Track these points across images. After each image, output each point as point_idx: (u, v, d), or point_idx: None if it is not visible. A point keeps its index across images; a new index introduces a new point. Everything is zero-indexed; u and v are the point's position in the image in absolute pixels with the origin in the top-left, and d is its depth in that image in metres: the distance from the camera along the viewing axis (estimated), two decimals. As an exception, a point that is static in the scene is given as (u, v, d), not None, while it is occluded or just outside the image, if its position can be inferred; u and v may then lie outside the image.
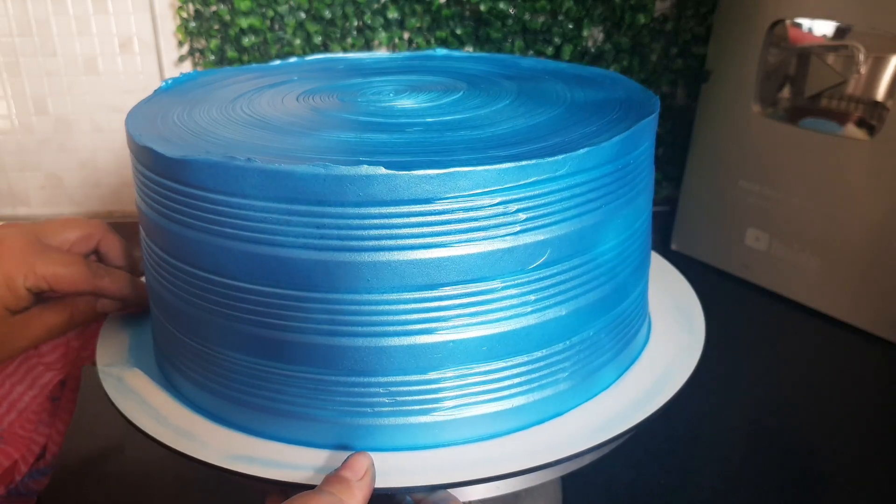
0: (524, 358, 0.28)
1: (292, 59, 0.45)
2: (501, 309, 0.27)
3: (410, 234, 0.26)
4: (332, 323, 0.27)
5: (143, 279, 0.36)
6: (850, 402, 0.51)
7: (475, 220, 0.26)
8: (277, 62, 0.45)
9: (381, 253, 0.26)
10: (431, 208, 0.25)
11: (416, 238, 0.26)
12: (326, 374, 0.28)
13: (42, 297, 0.34)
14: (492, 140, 0.28)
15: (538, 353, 0.29)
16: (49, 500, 0.41)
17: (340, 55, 0.47)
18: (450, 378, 0.28)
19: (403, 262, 0.26)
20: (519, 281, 0.27)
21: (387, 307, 0.26)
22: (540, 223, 0.27)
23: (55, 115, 0.70)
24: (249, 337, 0.28)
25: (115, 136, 0.71)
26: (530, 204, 0.26)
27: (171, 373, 0.33)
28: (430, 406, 0.28)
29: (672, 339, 0.36)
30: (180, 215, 0.28)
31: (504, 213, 0.26)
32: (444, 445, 0.28)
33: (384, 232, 0.25)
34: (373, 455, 0.27)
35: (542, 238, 0.27)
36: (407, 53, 0.48)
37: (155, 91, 0.38)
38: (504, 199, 0.26)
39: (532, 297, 0.28)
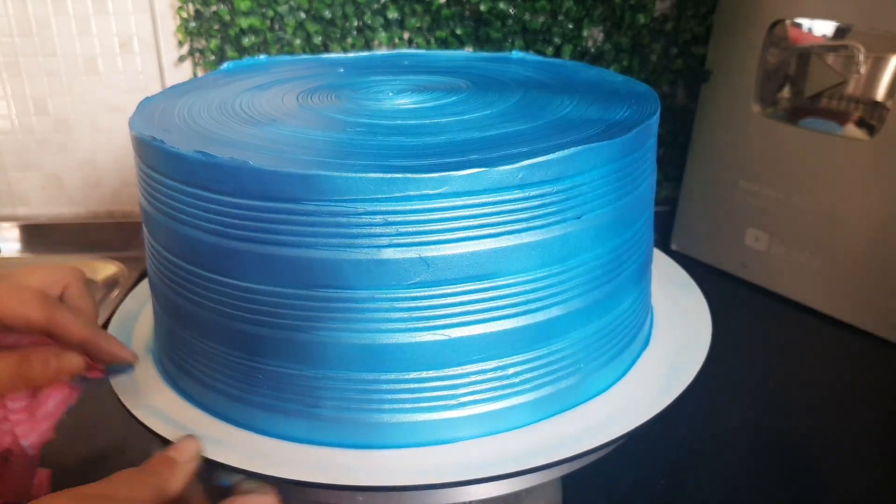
0: (481, 366, 0.28)
1: (368, 53, 0.47)
2: (456, 315, 0.27)
3: (377, 233, 0.26)
4: (289, 317, 0.27)
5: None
6: (851, 402, 0.51)
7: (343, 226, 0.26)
8: (357, 54, 0.46)
9: (336, 250, 0.26)
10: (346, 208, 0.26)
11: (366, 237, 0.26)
12: (282, 367, 0.28)
13: None
14: (416, 148, 0.28)
15: (498, 363, 0.29)
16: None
17: (411, 51, 0.48)
18: (403, 381, 0.28)
19: (371, 261, 0.26)
20: (539, 275, 0.28)
21: (336, 304, 0.27)
22: (412, 240, 0.26)
23: (55, 115, 0.70)
24: (253, 337, 0.28)
25: (115, 136, 0.71)
26: (402, 219, 0.26)
27: (175, 372, 0.33)
28: (382, 407, 0.28)
29: (676, 342, 0.36)
30: (165, 206, 0.29)
31: (371, 224, 0.26)
32: (398, 447, 0.29)
33: (370, 230, 0.26)
34: (373, 452, 0.27)
35: (415, 255, 0.26)
36: (485, 54, 0.47)
37: (212, 72, 0.41)
38: (373, 209, 0.26)
39: (487, 305, 0.28)
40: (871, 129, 0.55)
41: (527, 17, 0.65)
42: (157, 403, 0.32)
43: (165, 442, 0.29)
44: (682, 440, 0.46)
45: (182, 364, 0.32)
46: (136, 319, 0.38)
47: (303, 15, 0.65)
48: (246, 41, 0.66)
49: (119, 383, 0.33)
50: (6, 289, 0.29)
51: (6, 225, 0.73)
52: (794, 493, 0.42)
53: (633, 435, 0.30)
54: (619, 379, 0.33)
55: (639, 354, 0.34)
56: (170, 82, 0.69)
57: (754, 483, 0.43)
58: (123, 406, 0.31)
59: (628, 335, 0.33)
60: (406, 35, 0.67)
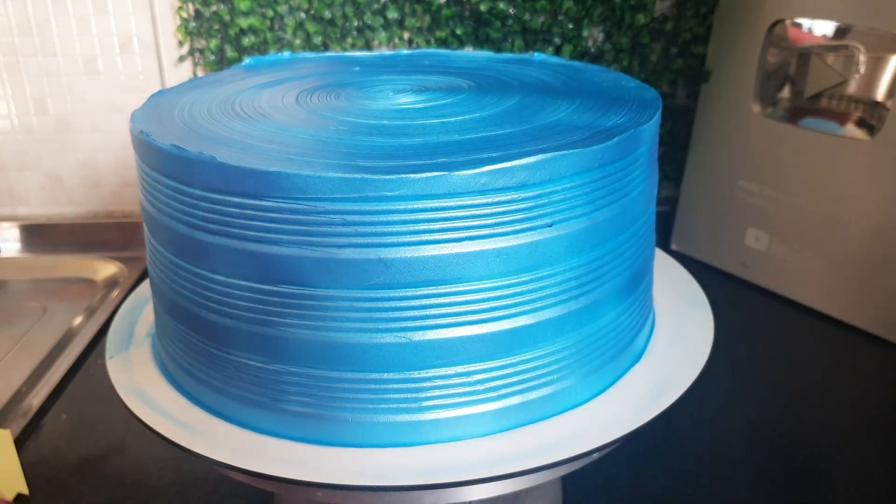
0: (482, 365, 0.28)
1: (390, 51, 0.47)
2: (455, 315, 0.27)
3: (356, 232, 0.26)
4: (288, 317, 0.28)
5: None
6: (851, 403, 0.51)
7: (423, 222, 0.26)
8: (381, 53, 0.46)
9: (328, 249, 0.26)
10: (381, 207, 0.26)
11: (360, 237, 0.26)
12: (283, 366, 0.28)
13: None
14: (398, 149, 0.28)
15: (497, 363, 0.28)
16: (49, 501, 0.41)
17: (435, 50, 0.48)
18: (403, 380, 0.28)
19: (347, 261, 0.26)
20: (477, 287, 0.27)
21: (335, 304, 0.27)
22: (373, 241, 0.26)
23: (55, 115, 0.70)
24: (258, 337, 0.29)
25: (115, 136, 0.71)
26: (360, 219, 0.26)
27: (173, 368, 0.33)
28: (381, 407, 0.28)
29: (677, 342, 0.35)
30: (164, 206, 0.30)
31: (334, 223, 0.26)
32: (397, 447, 0.29)
33: (336, 229, 0.26)
34: (337, 450, 0.28)
35: (376, 257, 0.27)
36: (508, 55, 0.47)
37: (234, 67, 0.41)
38: (332, 208, 0.26)
39: (487, 305, 0.28)
40: (871, 129, 0.55)
41: (527, 17, 0.65)
42: (160, 402, 0.32)
43: (166, 440, 0.29)
44: (682, 440, 0.46)
45: (177, 359, 0.32)
46: (139, 315, 0.39)
47: (303, 15, 0.65)
48: (246, 41, 0.66)
49: (119, 382, 0.33)
50: None
51: (6, 225, 0.73)
52: (795, 494, 0.42)
53: (632, 435, 0.30)
54: (600, 392, 0.32)
55: (628, 368, 0.34)
56: (170, 82, 0.69)
57: (754, 483, 0.43)
58: (127, 408, 0.31)
59: (613, 348, 0.32)
60: (406, 35, 0.67)
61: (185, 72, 0.68)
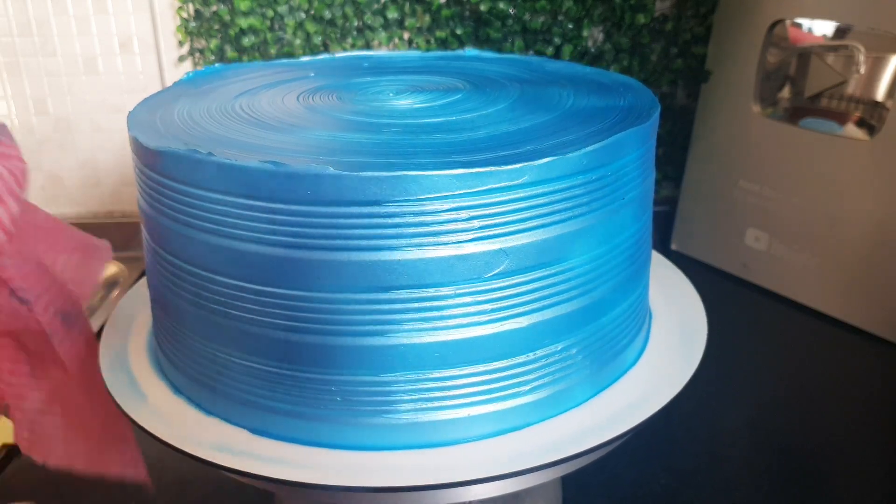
0: (481, 367, 0.28)
1: (320, 56, 0.46)
2: (455, 316, 0.27)
3: (359, 235, 0.26)
4: (286, 318, 0.27)
5: None
6: (850, 403, 0.51)
7: (426, 224, 0.26)
8: (306, 59, 0.45)
9: (331, 252, 0.26)
10: (380, 210, 0.25)
11: (365, 240, 0.26)
12: (281, 367, 0.28)
13: None
14: (464, 144, 0.28)
15: (496, 364, 0.28)
16: (49, 501, 0.41)
17: (367, 53, 0.47)
18: (402, 382, 0.28)
19: (352, 263, 0.26)
20: (474, 289, 0.27)
21: (336, 306, 0.27)
22: (496, 232, 0.26)
23: (55, 115, 0.70)
24: (215, 326, 0.29)
25: (115, 136, 0.71)
26: (485, 212, 0.26)
27: (167, 365, 0.33)
28: (381, 408, 0.28)
29: (672, 341, 0.36)
30: (160, 205, 0.30)
31: (456, 220, 0.26)
32: (397, 448, 0.28)
33: (333, 231, 0.26)
34: (367, 453, 0.28)
35: (498, 247, 0.27)
36: (437, 53, 0.47)
37: (174, 83, 0.39)
38: (456, 205, 0.25)
39: (488, 307, 0.27)
40: (871, 129, 0.55)
41: (527, 17, 0.65)
42: (157, 403, 0.32)
43: (161, 442, 0.29)
44: (682, 440, 0.46)
45: (174, 359, 0.32)
46: (134, 319, 0.39)
47: (303, 15, 0.65)
48: (246, 41, 0.66)
49: (113, 383, 0.33)
50: None
51: (6, 225, 0.73)
52: (795, 494, 0.42)
53: (632, 435, 0.30)
54: (600, 392, 0.32)
55: (627, 368, 0.34)
56: (170, 82, 0.69)
57: (754, 483, 0.43)
58: (119, 407, 0.31)
59: (615, 347, 0.33)
60: (406, 35, 0.67)
61: (185, 72, 0.68)
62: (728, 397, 0.50)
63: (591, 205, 0.28)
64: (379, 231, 0.26)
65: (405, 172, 0.25)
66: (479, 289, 0.27)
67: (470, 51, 0.47)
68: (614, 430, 0.29)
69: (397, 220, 0.25)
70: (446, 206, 0.25)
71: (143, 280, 0.39)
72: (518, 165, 0.26)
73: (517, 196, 0.26)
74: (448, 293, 0.27)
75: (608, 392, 0.32)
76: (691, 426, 0.47)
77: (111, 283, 0.66)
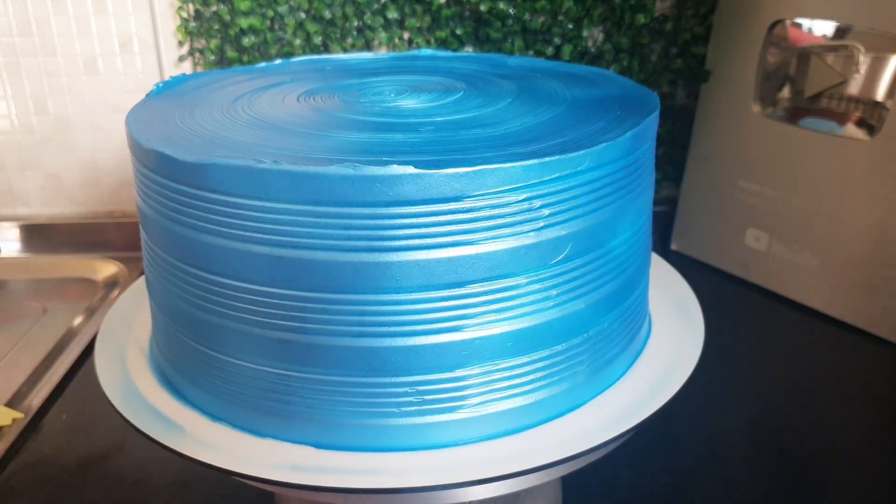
0: (546, 352, 0.29)
1: (278, 61, 0.45)
2: (526, 304, 0.28)
3: (439, 232, 0.26)
4: (360, 324, 0.27)
5: None
6: (851, 403, 0.51)
7: (501, 216, 0.26)
8: (263, 64, 0.45)
9: (410, 252, 0.26)
10: (459, 206, 0.26)
11: (444, 236, 0.26)
12: (352, 375, 0.27)
13: None
14: (508, 137, 0.29)
15: (559, 347, 0.29)
16: (49, 501, 0.41)
17: (325, 56, 0.48)
18: (476, 375, 0.28)
19: (432, 261, 0.26)
20: (542, 276, 0.28)
21: (415, 306, 0.27)
22: (561, 218, 0.27)
23: (55, 115, 0.70)
24: (269, 341, 0.28)
25: (115, 136, 0.71)
26: (552, 199, 0.27)
27: (176, 377, 0.33)
28: (456, 403, 0.28)
29: (672, 336, 0.36)
30: (193, 219, 0.28)
31: (529, 210, 0.26)
32: (467, 443, 0.29)
33: (413, 231, 0.26)
34: (367, 454, 0.28)
35: (564, 233, 0.28)
36: (392, 54, 0.48)
37: (147, 94, 0.38)
38: (529, 195, 0.26)
39: (554, 292, 0.28)
40: (871, 129, 0.55)
41: (527, 17, 0.65)
42: (156, 404, 0.32)
43: (157, 444, 0.29)
44: (682, 440, 0.46)
45: (184, 369, 0.32)
46: (135, 319, 0.38)
47: (303, 15, 0.65)
48: (246, 41, 0.66)
49: (110, 385, 0.33)
50: None
51: (6, 225, 0.73)
52: (795, 494, 0.42)
53: (632, 434, 0.30)
54: (628, 370, 0.33)
55: (642, 347, 0.35)
56: (170, 82, 0.69)
57: (754, 483, 0.43)
58: (115, 408, 0.31)
59: (635, 327, 0.34)
60: (406, 35, 0.67)
61: (184, 72, 0.68)
62: (728, 397, 0.50)
63: (629, 187, 0.30)
64: (458, 227, 0.26)
65: (485, 167, 0.25)
66: (546, 275, 0.28)
67: (425, 50, 0.47)
68: (613, 431, 0.29)
69: (475, 213, 0.26)
70: (522, 197, 0.26)
71: (139, 280, 0.38)
72: (580, 152, 0.27)
73: (578, 182, 0.27)
74: (520, 282, 0.27)
75: (607, 392, 0.32)
76: (691, 426, 0.47)
77: (111, 284, 0.66)
